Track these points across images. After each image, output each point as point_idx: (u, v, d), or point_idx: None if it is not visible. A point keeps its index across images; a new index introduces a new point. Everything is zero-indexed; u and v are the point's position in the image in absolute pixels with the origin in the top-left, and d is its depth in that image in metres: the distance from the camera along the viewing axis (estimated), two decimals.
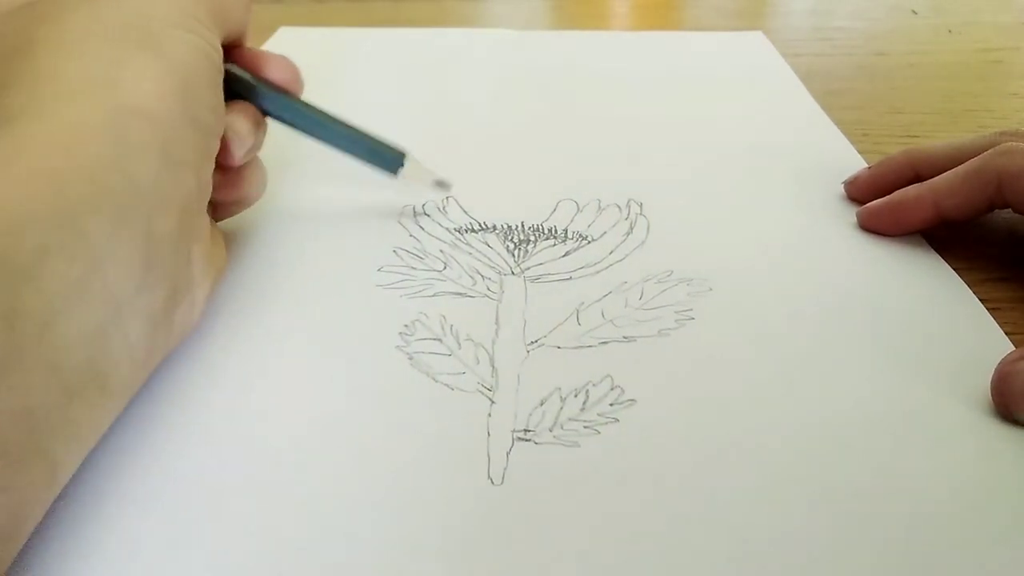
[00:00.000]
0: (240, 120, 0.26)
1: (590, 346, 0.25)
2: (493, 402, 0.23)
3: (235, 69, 0.27)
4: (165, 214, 0.21)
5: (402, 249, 0.29)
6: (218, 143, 0.24)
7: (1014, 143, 0.28)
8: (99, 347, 0.18)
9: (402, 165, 0.30)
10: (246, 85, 0.27)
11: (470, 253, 0.29)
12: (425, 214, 0.31)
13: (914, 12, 0.57)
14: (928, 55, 0.49)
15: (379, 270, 0.28)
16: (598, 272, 0.28)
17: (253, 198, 0.28)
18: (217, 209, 0.27)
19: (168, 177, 0.21)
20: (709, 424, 0.22)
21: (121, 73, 0.21)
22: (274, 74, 0.28)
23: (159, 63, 0.21)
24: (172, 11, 0.23)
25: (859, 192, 0.33)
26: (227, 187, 0.27)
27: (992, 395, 0.23)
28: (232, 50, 0.27)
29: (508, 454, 0.21)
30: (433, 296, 0.27)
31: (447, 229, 0.31)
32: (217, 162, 0.25)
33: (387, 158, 0.30)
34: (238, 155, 0.26)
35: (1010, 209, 0.29)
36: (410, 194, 0.32)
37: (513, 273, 0.28)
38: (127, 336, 0.19)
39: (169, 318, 0.21)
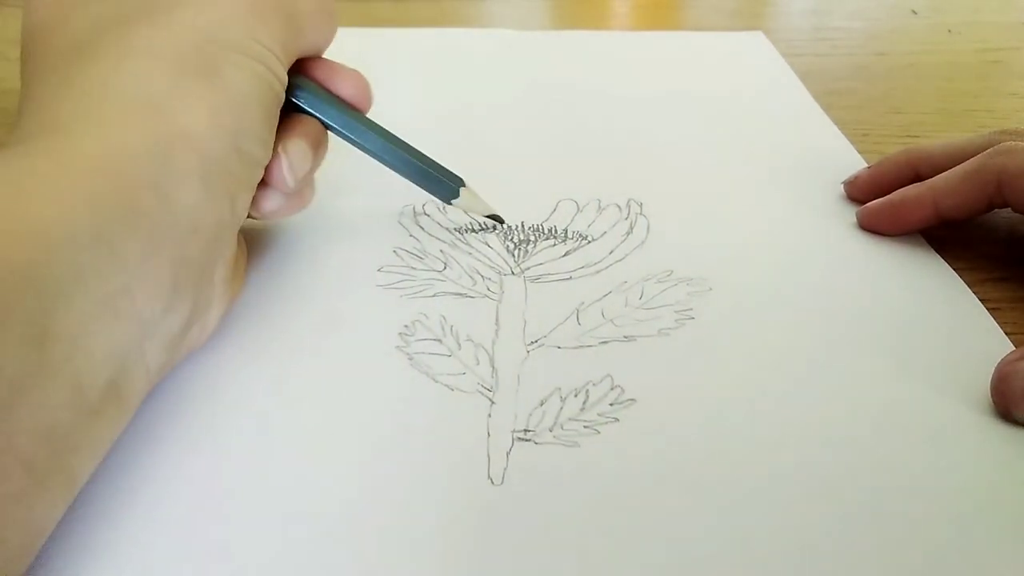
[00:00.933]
0: (300, 145, 0.25)
1: (590, 346, 0.25)
2: (493, 402, 0.23)
3: (302, 82, 0.26)
4: (197, 240, 0.21)
5: (402, 249, 0.29)
6: (261, 173, 0.24)
7: (1013, 142, 0.28)
8: (121, 367, 0.18)
9: (457, 194, 0.29)
10: (311, 98, 0.26)
11: (470, 253, 0.29)
12: (425, 214, 0.31)
13: (914, 12, 0.57)
14: (928, 55, 0.49)
15: (379, 270, 0.28)
16: (598, 272, 0.28)
17: (293, 213, 0.28)
18: (255, 217, 0.27)
19: (205, 205, 0.21)
20: (709, 423, 0.22)
21: (174, 98, 0.21)
22: (345, 89, 0.27)
23: (214, 92, 0.21)
24: (237, 35, 0.22)
25: (859, 192, 0.33)
26: (279, 210, 0.26)
27: (992, 395, 0.23)
28: (307, 60, 0.26)
29: (508, 454, 0.21)
30: (433, 296, 0.27)
31: (447, 229, 0.31)
32: (270, 185, 0.24)
33: (443, 186, 0.29)
34: (292, 181, 0.25)
35: (1009, 208, 0.29)
36: (409, 194, 0.32)
37: (513, 273, 0.28)
38: (146, 356, 0.19)
39: (183, 338, 0.22)
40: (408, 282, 0.28)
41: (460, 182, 0.29)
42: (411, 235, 0.30)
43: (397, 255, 0.29)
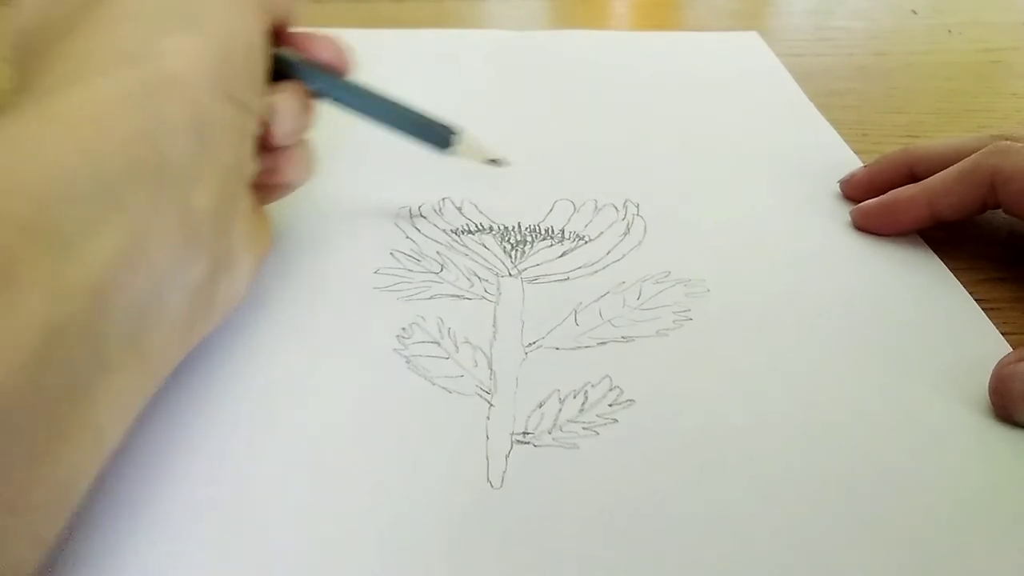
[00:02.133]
0: (286, 99, 0.25)
1: (588, 347, 0.25)
2: (492, 405, 0.23)
3: (282, 51, 0.26)
4: (202, 189, 0.21)
5: (399, 251, 0.29)
6: (256, 123, 0.24)
7: (1008, 143, 0.28)
8: (140, 320, 0.19)
9: (454, 140, 0.29)
10: (293, 66, 0.27)
11: (467, 255, 0.29)
12: (422, 216, 0.31)
13: (914, 12, 0.57)
14: (928, 55, 0.49)
15: (376, 272, 0.28)
16: (595, 272, 0.28)
17: (299, 182, 0.28)
18: (262, 191, 0.27)
19: (203, 152, 0.21)
20: (707, 424, 0.22)
21: (157, 47, 0.21)
22: (322, 54, 0.27)
23: (197, 38, 0.22)
24: None
25: (854, 191, 0.33)
26: (272, 169, 0.26)
27: (991, 396, 0.23)
28: (280, 33, 0.27)
29: (507, 457, 0.21)
30: (430, 298, 0.27)
31: (444, 231, 0.31)
32: (261, 143, 0.25)
33: (439, 133, 0.29)
34: (279, 134, 0.25)
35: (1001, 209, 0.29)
36: (408, 195, 0.32)
37: (510, 274, 0.28)
38: (168, 309, 0.20)
39: (210, 293, 0.22)
40: (405, 284, 0.28)
41: (454, 129, 0.29)
42: (407, 237, 0.30)
43: (394, 257, 0.29)
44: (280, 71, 0.26)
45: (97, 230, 0.17)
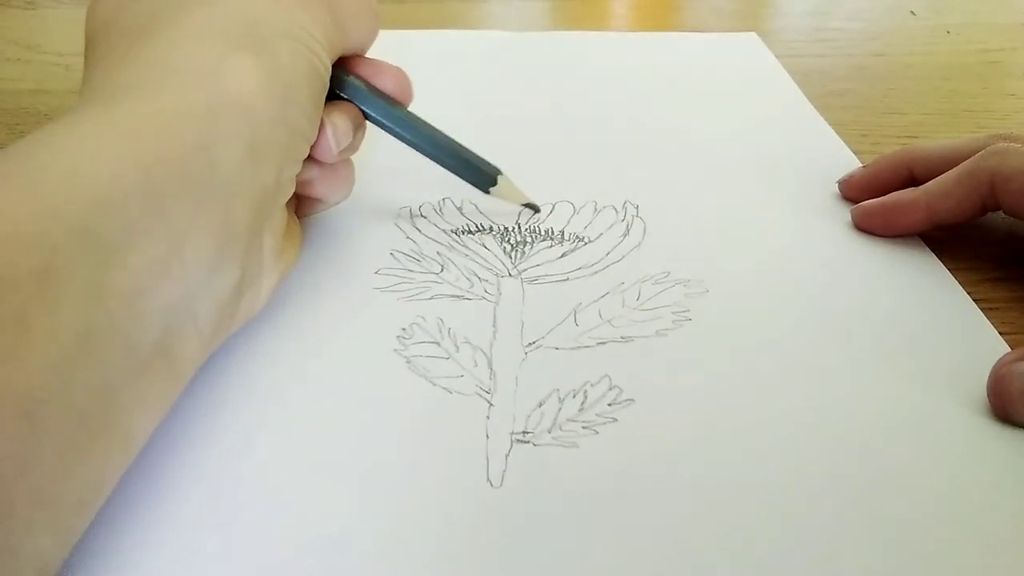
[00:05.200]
0: (341, 117, 0.26)
1: (588, 347, 0.25)
2: (491, 404, 0.23)
3: (347, 75, 0.27)
4: (243, 205, 0.21)
5: (399, 252, 0.29)
6: (307, 148, 0.25)
7: (1006, 144, 0.28)
8: (173, 325, 0.19)
9: (495, 183, 0.30)
10: (355, 90, 0.27)
11: (467, 255, 0.29)
12: (422, 216, 0.32)
13: (912, 13, 0.57)
14: (927, 56, 0.49)
15: (376, 273, 0.28)
16: (595, 273, 0.28)
17: (338, 198, 0.29)
18: (304, 204, 0.28)
19: (250, 170, 0.21)
20: (707, 424, 0.22)
21: (225, 68, 0.22)
22: (387, 84, 0.28)
23: (264, 65, 0.22)
24: (284, 21, 0.24)
25: (853, 191, 0.33)
26: (318, 183, 0.27)
27: (989, 396, 0.23)
28: (351, 59, 0.28)
29: (507, 456, 0.21)
30: (430, 299, 0.27)
31: (444, 231, 0.31)
32: (312, 157, 0.25)
33: (481, 174, 0.30)
34: (334, 150, 0.26)
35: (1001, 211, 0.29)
36: (408, 196, 0.32)
37: (510, 275, 0.28)
38: (198, 316, 0.20)
39: (235, 303, 0.22)
40: (405, 284, 0.28)
41: (497, 171, 0.30)
42: (408, 237, 0.30)
43: (394, 257, 0.29)
44: (339, 90, 0.27)
45: (139, 238, 0.18)
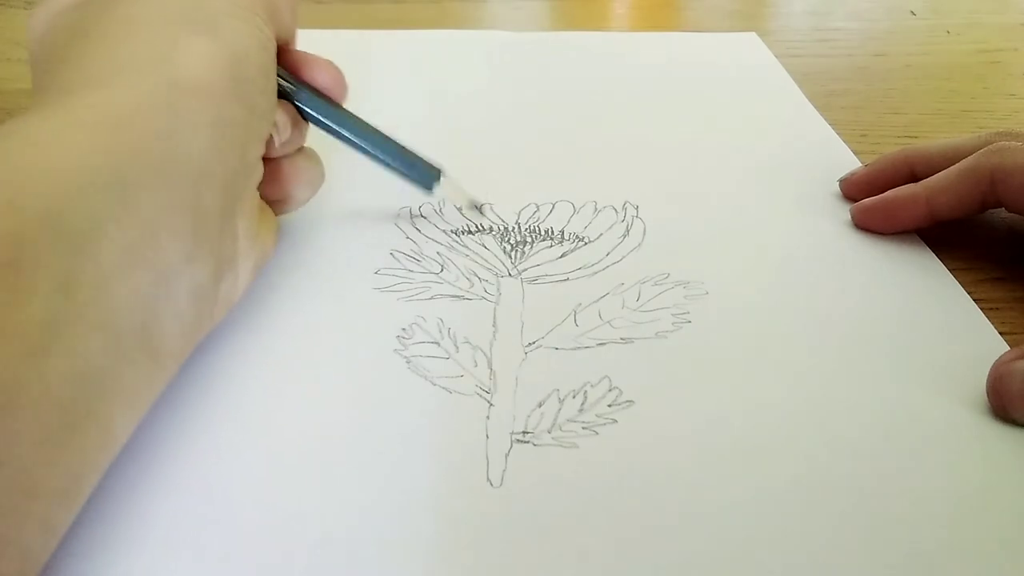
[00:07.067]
0: (278, 113, 0.26)
1: (588, 347, 0.25)
2: (491, 404, 0.23)
3: (278, 71, 0.26)
4: (212, 188, 0.21)
5: (399, 252, 0.29)
6: (268, 127, 0.25)
7: (1008, 142, 0.28)
8: (149, 314, 0.19)
9: (437, 182, 0.30)
10: (286, 87, 0.27)
11: (467, 255, 0.29)
12: (422, 216, 0.32)
13: (912, 13, 0.57)
14: (926, 56, 0.49)
15: (376, 273, 0.28)
16: (595, 274, 0.28)
17: (301, 198, 0.28)
18: (272, 203, 0.27)
19: (216, 153, 0.21)
20: (707, 425, 0.22)
21: (176, 51, 0.22)
22: (318, 78, 0.27)
23: (213, 44, 0.22)
24: (225, 1, 0.24)
25: (854, 190, 0.33)
26: (269, 181, 0.26)
27: (988, 395, 0.23)
28: (279, 52, 0.27)
29: (507, 456, 0.21)
30: (430, 299, 0.27)
31: (444, 231, 0.31)
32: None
33: (422, 174, 0.29)
34: (275, 143, 0.26)
35: (1003, 208, 0.29)
36: (407, 196, 0.32)
37: (510, 275, 0.28)
38: (175, 304, 0.20)
39: (214, 291, 0.22)
40: (405, 284, 0.28)
41: (438, 172, 0.29)
42: (408, 237, 0.30)
43: (394, 257, 0.29)
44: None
45: (108, 226, 0.18)
